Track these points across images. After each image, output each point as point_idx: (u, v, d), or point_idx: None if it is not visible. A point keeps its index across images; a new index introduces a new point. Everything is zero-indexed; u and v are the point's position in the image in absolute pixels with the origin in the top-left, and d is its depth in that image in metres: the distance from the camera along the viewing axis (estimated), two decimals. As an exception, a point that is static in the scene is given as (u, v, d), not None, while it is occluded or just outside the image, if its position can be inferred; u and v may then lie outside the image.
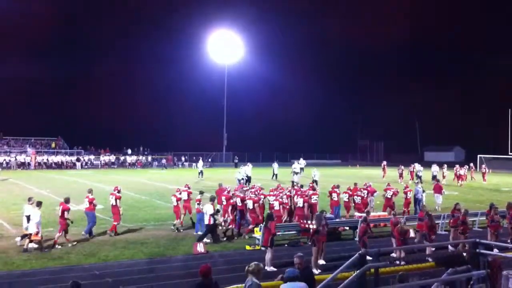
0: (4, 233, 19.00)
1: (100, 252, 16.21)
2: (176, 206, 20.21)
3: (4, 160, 57.54)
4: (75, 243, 17.47)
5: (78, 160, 62.10)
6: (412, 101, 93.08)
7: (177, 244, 17.69)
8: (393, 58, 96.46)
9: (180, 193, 20.75)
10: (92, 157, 65.61)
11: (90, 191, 19.60)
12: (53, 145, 69.89)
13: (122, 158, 67.54)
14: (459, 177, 43.01)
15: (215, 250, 16.93)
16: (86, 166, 61.59)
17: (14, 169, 55.85)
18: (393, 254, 14.98)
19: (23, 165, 58.14)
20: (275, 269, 13.81)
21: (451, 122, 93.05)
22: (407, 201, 23.99)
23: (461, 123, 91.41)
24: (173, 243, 17.84)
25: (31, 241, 16.17)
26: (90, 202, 18.93)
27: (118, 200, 19.48)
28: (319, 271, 13.67)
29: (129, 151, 70.42)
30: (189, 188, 21.41)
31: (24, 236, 16.76)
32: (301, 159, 47.79)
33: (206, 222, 17.87)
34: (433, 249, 15.56)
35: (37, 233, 16.05)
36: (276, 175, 43.96)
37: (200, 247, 16.35)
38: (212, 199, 18.64)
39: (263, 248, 14.74)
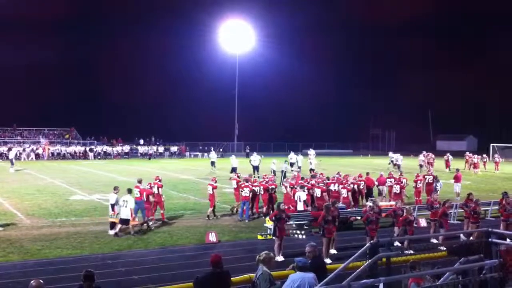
0: (18, 223, 19.18)
1: (113, 241, 16.34)
2: (211, 195, 20.48)
3: (18, 151, 58.05)
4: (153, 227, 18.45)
5: (91, 150, 62.39)
6: (425, 89, 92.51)
7: (189, 233, 17.77)
8: (407, 46, 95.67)
9: (215, 182, 21.16)
10: (105, 147, 65.94)
11: (140, 181, 19.94)
12: (66, 136, 70.34)
13: (135, 147, 67.75)
14: (474, 165, 43.18)
15: (227, 239, 17.01)
16: (99, 157, 61.90)
17: (27, 160, 56.27)
18: (397, 243, 14.97)
19: (37, 156, 58.56)
20: (283, 259, 13.82)
21: (463, 111, 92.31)
22: (418, 190, 23.95)
23: (473, 112, 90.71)
24: (186, 232, 17.92)
25: (127, 225, 17.26)
26: (141, 193, 19.07)
27: (160, 189, 19.99)
28: (330, 261, 13.69)
29: (141, 141, 70.65)
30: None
31: (113, 225, 17.50)
32: (311, 149, 47.41)
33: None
34: (439, 238, 15.54)
35: (134, 218, 17.36)
36: (300, 167, 42.52)
37: (212, 237, 16.43)
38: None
39: (274, 238, 14.77)
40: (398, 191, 22.88)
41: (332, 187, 21.82)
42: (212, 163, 42.68)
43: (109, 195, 18.43)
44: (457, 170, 29.61)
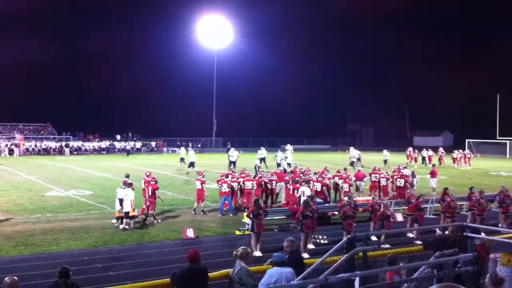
0: (-8, 220, 18.86)
1: (90, 238, 16.17)
2: (200, 189, 20.55)
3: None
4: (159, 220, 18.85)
5: (67, 146, 61.68)
6: (402, 86, 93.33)
7: (166, 229, 17.69)
8: (384, 42, 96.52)
9: (203, 177, 21.14)
10: (81, 143, 65.21)
11: (128, 176, 19.89)
12: (42, 132, 69.36)
13: (112, 143, 67.02)
14: (453, 160, 44.74)
15: (205, 235, 16.97)
16: (75, 152, 61.21)
17: (2, 156, 55.39)
18: (374, 238, 15.10)
19: (10, 152, 57.66)
20: (261, 254, 13.86)
21: (439, 107, 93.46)
22: (394, 185, 24.21)
23: (449, 108, 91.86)
24: (163, 228, 17.84)
25: (131, 218, 17.58)
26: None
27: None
28: (308, 255, 13.75)
29: (118, 137, 70.01)
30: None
31: (118, 218, 17.88)
32: (288, 144, 47.36)
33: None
34: (415, 232, 15.74)
35: (133, 210, 17.80)
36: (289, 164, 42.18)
37: (190, 232, 16.38)
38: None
39: (251, 233, 14.78)
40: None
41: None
42: (182, 159, 42.32)
43: (117, 190, 18.46)
44: (433, 165, 30.01)
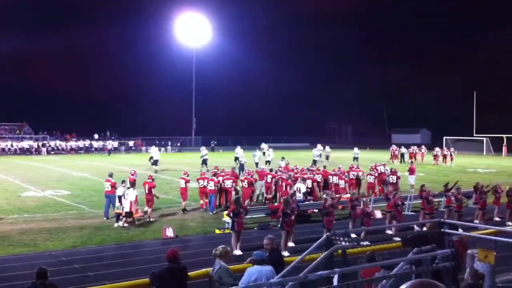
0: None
1: (68, 238, 16.00)
2: (183, 188, 20.63)
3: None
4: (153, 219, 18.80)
5: (43, 145, 60.86)
6: (380, 83, 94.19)
7: (146, 229, 17.59)
8: (362, 40, 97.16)
9: (187, 176, 21.17)
10: (58, 142, 64.38)
11: (111, 175, 20.03)
12: (17, 132, 68.30)
13: (88, 143, 66.21)
14: (434, 157, 45.88)
15: (185, 234, 16.91)
16: (53, 152, 60.43)
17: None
18: (353, 235, 15.17)
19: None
20: (241, 253, 13.85)
21: (417, 105, 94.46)
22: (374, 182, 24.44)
23: (427, 105, 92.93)
24: (142, 227, 17.74)
25: (130, 217, 17.78)
26: (112, 186, 19.17)
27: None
28: (288, 253, 13.78)
29: (96, 136, 69.25)
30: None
31: (118, 216, 18.04)
32: (263, 143, 47.17)
33: None
34: (393, 229, 15.90)
35: (137, 210, 18.35)
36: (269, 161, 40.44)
37: (170, 232, 16.30)
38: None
39: (232, 232, 14.77)
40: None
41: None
42: (151, 159, 42.03)
43: (118, 188, 18.61)
44: (412, 162, 30.34)
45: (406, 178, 28.25)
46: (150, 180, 19.58)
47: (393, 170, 25.87)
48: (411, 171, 28.07)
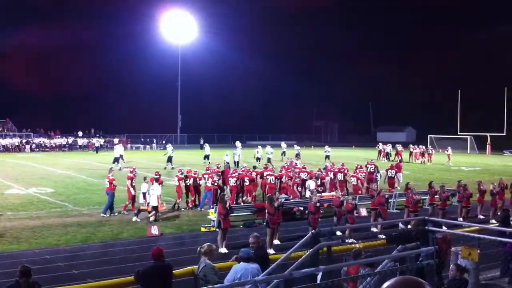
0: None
1: (51, 236, 15.86)
2: (178, 186, 20.79)
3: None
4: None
5: (27, 142, 60.28)
6: (366, 82, 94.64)
7: (130, 227, 17.51)
8: (347, 38, 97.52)
9: (182, 173, 21.40)
10: (42, 139, 63.81)
11: (111, 171, 20.43)
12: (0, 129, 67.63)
13: (72, 140, 65.66)
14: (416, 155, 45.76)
15: (170, 232, 16.85)
16: (37, 149, 59.87)
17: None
18: (339, 233, 15.24)
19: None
20: (227, 251, 13.84)
21: (403, 103, 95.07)
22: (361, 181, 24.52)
23: (412, 104, 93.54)
24: (127, 225, 17.65)
25: (156, 211, 18.20)
26: (110, 183, 19.35)
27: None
28: (273, 251, 13.79)
29: (80, 133, 68.74)
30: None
31: (139, 211, 18.65)
32: (238, 142, 46.82)
33: None
34: (378, 227, 15.99)
35: (162, 204, 18.84)
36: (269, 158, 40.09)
37: (155, 230, 16.23)
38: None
39: (218, 230, 14.75)
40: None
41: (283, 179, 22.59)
42: (167, 155, 42.05)
43: (142, 185, 19.05)
44: (400, 160, 30.65)
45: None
46: (157, 176, 19.84)
47: (392, 164, 27.09)
48: (398, 168, 28.24)
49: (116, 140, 67.04)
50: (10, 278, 9.40)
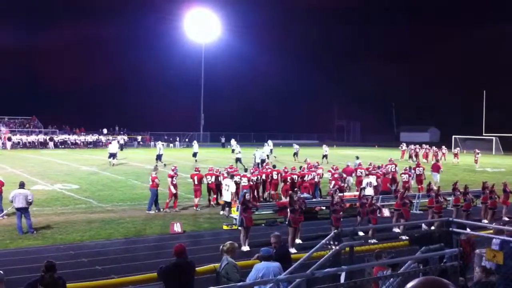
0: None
1: (76, 232, 16.07)
2: (196, 185, 20.77)
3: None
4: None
5: (51, 139, 61.08)
6: (389, 81, 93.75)
7: (153, 223, 17.64)
8: (371, 37, 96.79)
9: (199, 172, 21.43)
10: (66, 136, 64.66)
11: (155, 169, 21.02)
12: (27, 125, 68.67)
13: (96, 137, 66.39)
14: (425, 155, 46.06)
15: (192, 229, 16.94)
16: (62, 146, 60.65)
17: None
18: (361, 233, 15.16)
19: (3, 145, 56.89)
20: (249, 249, 13.88)
21: (426, 103, 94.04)
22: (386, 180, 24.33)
23: (436, 104, 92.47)
24: (150, 222, 17.80)
25: (228, 206, 18.80)
26: (153, 180, 19.57)
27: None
28: (295, 250, 13.78)
29: (105, 131, 69.45)
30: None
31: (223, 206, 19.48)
32: (269, 141, 47.04)
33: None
34: (401, 227, 15.88)
35: (235, 202, 18.80)
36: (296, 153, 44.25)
37: (177, 227, 16.34)
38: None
39: (240, 228, 14.80)
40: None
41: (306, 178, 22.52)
42: (194, 155, 42.66)
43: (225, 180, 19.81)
44: (437, 160, 30.50)
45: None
46: (197, 172, 20.60)
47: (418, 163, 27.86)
48: (434, 168, 28.22)
49: (138, 138, 67.78)
50: (35, 273, 9.54)
